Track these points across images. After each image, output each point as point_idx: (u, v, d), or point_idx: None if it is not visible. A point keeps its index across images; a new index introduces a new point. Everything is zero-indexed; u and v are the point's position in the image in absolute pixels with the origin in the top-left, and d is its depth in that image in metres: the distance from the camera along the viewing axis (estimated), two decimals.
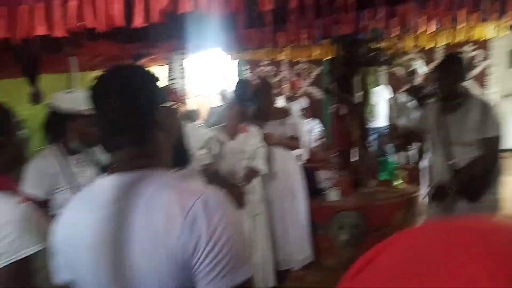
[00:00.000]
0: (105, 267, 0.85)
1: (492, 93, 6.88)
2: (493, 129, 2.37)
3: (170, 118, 0.98)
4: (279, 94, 6.32)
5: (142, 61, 6.33)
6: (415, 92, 4.54)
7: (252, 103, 3.27)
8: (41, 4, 1.80)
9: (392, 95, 5.47)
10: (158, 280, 0.80)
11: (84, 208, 0.92)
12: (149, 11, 1.69)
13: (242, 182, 2.89)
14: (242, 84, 4.66)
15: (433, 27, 3.71)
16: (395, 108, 4.81)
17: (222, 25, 2.81)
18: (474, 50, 6.87)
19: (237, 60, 8.20)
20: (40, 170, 2.01)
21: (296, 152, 3.91)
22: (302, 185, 3.47)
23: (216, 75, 8.74)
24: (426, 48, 5.63)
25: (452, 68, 2.43)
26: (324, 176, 3.96)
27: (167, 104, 1.00)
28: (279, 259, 3.35)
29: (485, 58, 6.82)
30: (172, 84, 5.78)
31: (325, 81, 7.67)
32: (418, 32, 4.36)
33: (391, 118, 5.42)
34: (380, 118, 5.61)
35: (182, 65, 5.56)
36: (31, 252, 1.12)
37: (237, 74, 8.29)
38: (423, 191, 3.29)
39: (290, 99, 6.37)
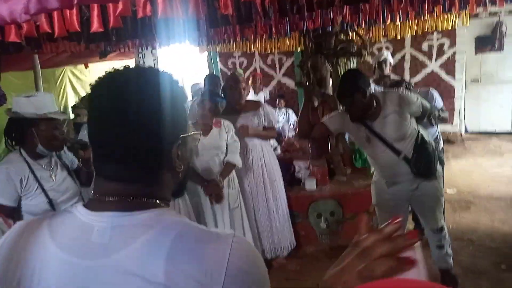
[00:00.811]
0: None
1: (459, 79, 7.13)
2: (419, 104, 2.59)
3: (185, 151, 0.80)
4: (252, 86, 6.32)
5: (109, 57, 6.17)
6: (385, 81, 4.62)
7: (222, 98, 3.25)
8: None
9: None
10: None
11: (50, 246, 0.69)
12: (108, 16, 1.63)
13: (218, 177, 2.88)
14: (210, 78, 4.64)
15: (400, 18, 3.81)
16: None
17: (189, 22, 2.76)
18: (440, 38, 7.07)
19: (208, 53, 8.13)
20: (5, 177, 1.95)
21: (272, 143, 3.93)
22: (279, 175, 3.49)
23: (187, 68, 8.64)
24: (395, 38, 5.76)
25: (355, 88, 2.45)
26: (300, 166, 4.01)
27: (186, 132, 0.81)
28: (265, 248, 3.39)
29: (451, 46, 7.03)
30: None
31: (297, 71, 7.74)
32: (386, 23, 4.45)
33: None
34: None
35: (156, 59, 5.44)
36: None
37: (209, 67, 8.22)
38: None
39: (255, 91, 6.40)
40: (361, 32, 4.58)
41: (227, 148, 3.03)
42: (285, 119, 6.72)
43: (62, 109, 6.36)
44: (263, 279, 0.70)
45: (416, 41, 7.20)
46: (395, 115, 2.52)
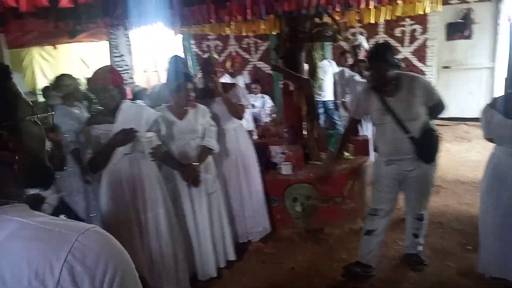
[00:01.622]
0: None
1: (431, 65, 7.28)
2: (435, 97, 2.75)
3: (22, 139, 0.74)
4: (230, 69, 6.23)
5: (79, 37, 5.96)
6: (360, 66, 4.67)
7: (191, 79, 3.17)
8: None
9: (336, 70, 5.61)
10: None
11: None
12: None
13: (195, 162, 2.86)
14: (177, 59, 4.51)
15: (373, 3, 3.81)
16: (341, 82, 4.94)
17: (161, 2, 2.67)
18: (413, 24, 7.18)
19: (181, 35, 7.96)
20: None
21: (246, 126, 3.91)
22: (255, 160, 3.50)
23: (162, 51, 8.44)
24: (369, 23, 5.80)
25: (382, 58, 2.61)
26: (276, 150, 4.03)
27: (27, 114, 0.75)
28: (238, 232, 3.41)
29: (423, 32, 7.15)
30: (120, 61, 5.49)
31: (272, 56, 7.70)
32: (361, 8, 4.46)
33: (337, 92, 5.57)
34: (327, 92, 5.76)
35: (129, 40, 5.27)
36: None
37: (183, 49, 8.07)
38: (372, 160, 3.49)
39: (232, 74, 6.31)
40: (336, 16, 4.58)
41: (203, 133, 3.00)
42: (261, 105, 6.71)
43: (30, 91, 6.11)
44: (118, 278, 0.65)
45: (389, 27, 7.29)
46: (411, 97, 2.66)
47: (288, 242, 3.61)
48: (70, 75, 3.58)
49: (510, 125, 2.43)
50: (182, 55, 4.59)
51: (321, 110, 5.67)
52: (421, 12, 4.72)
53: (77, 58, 7.24)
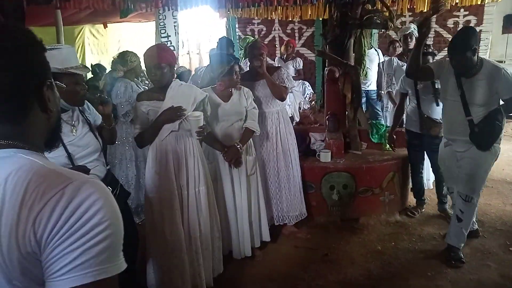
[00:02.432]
0: None
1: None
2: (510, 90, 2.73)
3: (55, 95, 0.84)
4: (271, 54, 6.21)
5: (129, 17, 6.12)
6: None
7: (238, 62, 3.20)
8: None
9: (382, 59, 5.46)
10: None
11: None
12: None
13: (237, 143, 2.91)
14: (227, 41, 4.54)
15: None
16: (389, 71, 4.81)
17: None
18: (467, 15, 6.84)
19: (227, 19, 8.00)
20: None
21: (288, 112, 3.92)
22: (294, 145, 3.51)
23: (206, 33, 8.53)
24: (420, 12, 5.58)
25: (465, 46, 2.66)
26: (316, 137, 4.02)
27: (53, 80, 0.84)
28: (274, 215, 3.46)
29: (477, 24, 6.80)
30: (166, 41, 5.60)
31: (318, 42, 7.60)
32: None
33: (381, 82, 5.43)
34: (371, 81, 5.63)
35: (176, 21, 5.36)
36: None
37: (227, 33, 8.11)
38: None
39: (285, 59, 6.28)
40: (388, 3, 4.45)
41: (246, 115, 3.04)
42: (301, 91, 6.67)
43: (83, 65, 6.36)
44: (99, 231, 0.68)
45: (442, 17, 6.98)
46: (487, 84, 2.72)
47: (323, 229, 3.62)
48: (135, 52, 3.76)
49: None
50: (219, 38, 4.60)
51: (363, 100, 5.56)
52: (478, 2, 4.51)
53: (125, 38, 7.45)
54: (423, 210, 3.85)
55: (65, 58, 2.02)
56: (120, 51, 3.95)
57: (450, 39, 7.18)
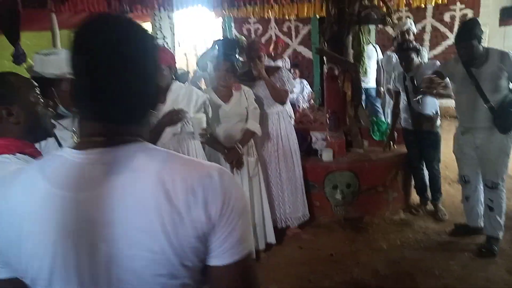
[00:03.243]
0: (79, 260, 0.70)
1: None
2: None
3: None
4: (272, 53, 6.17)
5: None
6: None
7: (237, 58, 3.16)
8: None
9: (381, 56, 5.43)
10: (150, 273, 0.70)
11: (42, 184, 0.72)
12: None
13: (238, 145, 2.87)
14: (225, 42, 4.49)
15: None
16: (388, 68, 4.78)
17: None
18: (463, 9, 6.83)
19: (222, 18, 7.95)
20: None
21: (288, 112, 3.88)
22: (296, 145, 3.47)
23: (202, 34, 8.47)
24: (416, 7, 5.56)
25: (473, 36, 2.76)
26: (317, 137, 3.98)
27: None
28: (277, 217, 3.42)
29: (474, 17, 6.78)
30: (163, 43, 5.55)
31: (314, 40, 7.56)
32: None
33: (380, 78, 5.40)
34: (370, 78, 5.60)
35: (172, 22, 5.32)
36: None
37: (223, 33, 8.06)
38: None
39: (273, 58, 6.24)
40: None
41: (247, 115, 3.00)
42: (299, 90, 6.63)
43: None
44: (244, 209, 0.76)
45: (438, 11, 6.97)
46: (496, 70, 2.82)
47: (327, 229, 3.58)
48: None
49: None
50: (217, 38, 4.56)
51: (363, 98, 5.52)
52: None
53: None
54: (427, 207, 3.83)
55: (62, 63, 1.96)
56: None
57: (446, 34, 7.19)
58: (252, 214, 3.04)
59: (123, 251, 0.69)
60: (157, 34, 5.64)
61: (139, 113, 0.79)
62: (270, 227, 3.21)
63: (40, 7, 2.45)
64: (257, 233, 3.12)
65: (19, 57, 3.61)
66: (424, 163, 3.72)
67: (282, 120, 3.41)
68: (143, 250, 0.68)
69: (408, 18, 6.36)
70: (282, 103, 3.35)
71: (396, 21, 6.22)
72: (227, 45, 4.34)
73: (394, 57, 4.53)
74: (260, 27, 8.07)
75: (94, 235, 0.69)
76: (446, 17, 6.97)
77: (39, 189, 0.71)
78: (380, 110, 5.52)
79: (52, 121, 2.02)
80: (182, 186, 0.70)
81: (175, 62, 2.56)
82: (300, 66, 7.10)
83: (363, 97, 5.59)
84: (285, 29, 7.94)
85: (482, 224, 3.17)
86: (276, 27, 7.97)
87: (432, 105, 3.53)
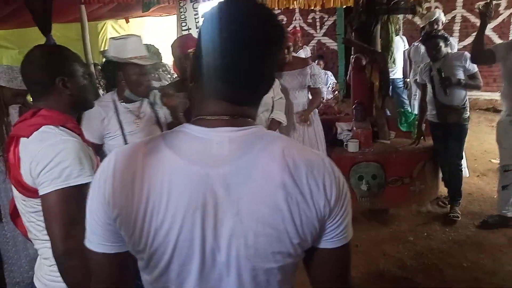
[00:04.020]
0: (203, 235, 0.71)
1: None
2: None
3: None
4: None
5: (151, 11, 6.13)
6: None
7: None
8: None
9: (407, 46, 5.32)
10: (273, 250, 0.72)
11: (176, 160, 0.72)
12: None
13: None
14: None
15: None
16: (416, 58, 4.69)
17: None
18: None
19: None
20: (91, 116, 1.96)
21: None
22: (321, 136, 3.46)
23: None
24: None
25: None
26: (342, 128, 3.95)
27: None
28: None
29: (508, 7, 6.54)
30: (188, 33, 5.58)
31: (340, 31, 7.47)
32: None
33: (407, 69, 5.30)
34: (397, 69, 5.49)
35: (197, 14, 5.33)
36: (80, 182, 1.16)
37: None
38: None
39: (293, 49, 6.17)
40: None
41: (272, 105, 3.00)
42: (324, 82, 6.58)
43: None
44: (349, 194, 0.78)
45: (469, 1, 6.75)
46: None
47: (352, 220, 3.54)
48: (155, 46, 3.73)
49: None
50: None
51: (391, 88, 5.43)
52: None
53: (147, 32, 7.49)
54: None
55: (126, 48, 1.98)
56: None
57: (477, 24, 6.97)
58: None
59: (249, 227, 0.70)
60: (182, 26, 5.67)
61: (261, 96, 0.80)
62: None
63: None
64: None
65: None
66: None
67: None
68: (269, 227, 0.70)
69: (437, 9, 6.19)
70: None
71: (425, 11, 6.08)
72: None
73: (422, 48, 4.42)
74: (285, 18, 8.02)
75: (222, 211, 0.70)
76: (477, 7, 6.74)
77: (169, 162, 0.71)
78: (407, 101, 5.42)
79: (119, 103, 2.05)
80: (304, 170, 0.72)
81: None
82: (324, 57, 7.03)
83: (390, 88, 5.51)
84: (309, 19, 7.86)
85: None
86: (301, 18, 7.90)
87: (459, 96, 3.42)
